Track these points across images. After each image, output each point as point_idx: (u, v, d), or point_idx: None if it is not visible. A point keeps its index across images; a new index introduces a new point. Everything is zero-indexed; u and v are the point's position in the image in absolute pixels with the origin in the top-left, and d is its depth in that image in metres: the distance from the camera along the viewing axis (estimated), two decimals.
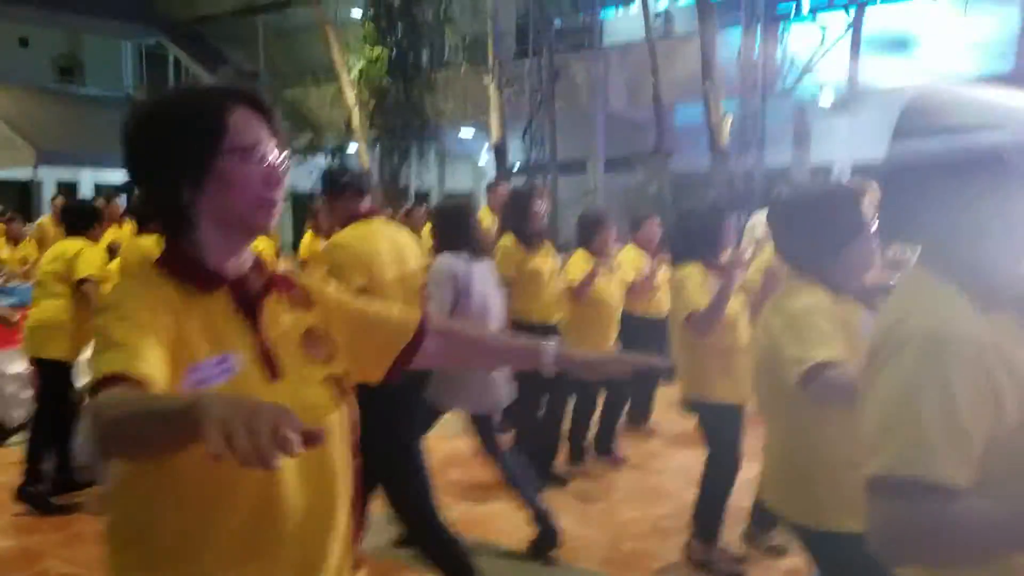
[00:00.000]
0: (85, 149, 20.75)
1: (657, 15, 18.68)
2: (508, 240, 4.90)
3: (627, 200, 13.77)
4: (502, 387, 3.89)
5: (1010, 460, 1.12)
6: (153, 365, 1.16)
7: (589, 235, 5.12)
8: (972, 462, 1.10)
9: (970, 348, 1.12)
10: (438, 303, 3.61)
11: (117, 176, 22.94)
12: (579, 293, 4.88)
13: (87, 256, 4.66)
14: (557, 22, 17.07)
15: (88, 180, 22.44)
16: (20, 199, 18.47)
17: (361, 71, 16.53)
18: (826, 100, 14.94)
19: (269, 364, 1.32)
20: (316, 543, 1.33)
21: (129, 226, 7.71)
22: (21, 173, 19.72)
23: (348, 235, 3.42)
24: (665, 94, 14.44)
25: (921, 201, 1.23)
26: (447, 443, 5.95)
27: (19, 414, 5.80)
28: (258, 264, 1.41)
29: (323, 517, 1.34)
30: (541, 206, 4.94)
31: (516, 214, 4.96)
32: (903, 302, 1.25)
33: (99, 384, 1.13)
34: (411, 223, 8.51)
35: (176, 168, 1.29)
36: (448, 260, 3.78)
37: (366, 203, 3.50)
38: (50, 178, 21.14)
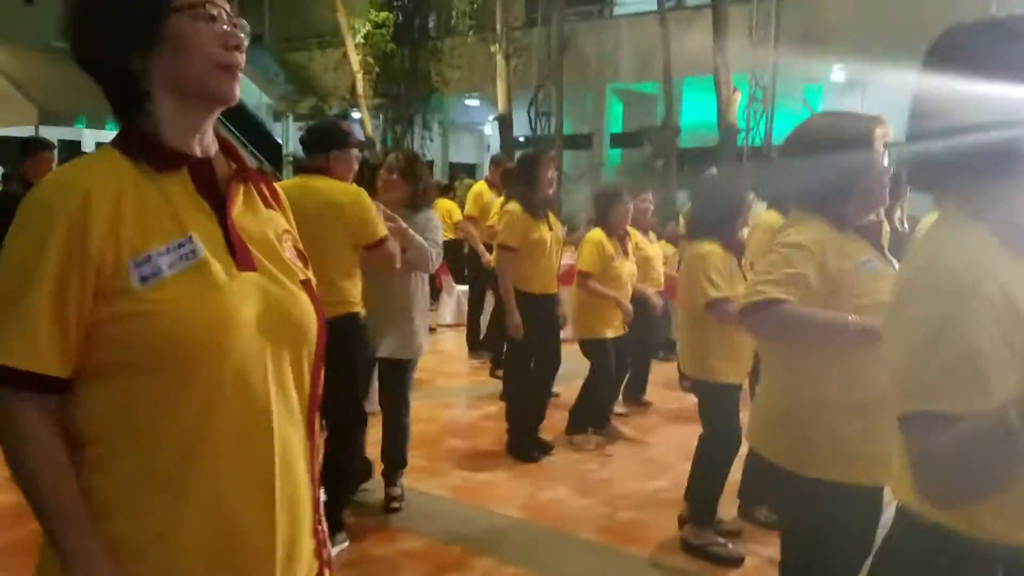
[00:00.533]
0: (87, 109, 20.64)
1: None
2: (514, 207, 4.81)
3: (633, 175, 13.69)
4: (421, 337, 3.98)
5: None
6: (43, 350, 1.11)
7: (605, 211, 5.05)
8: (992, 397, 1.14)
9: (996, 291, 1.16)
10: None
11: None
12: (589, 286, 4.90)
13: None
14: None
15: (89, 139, 22.34)
16: (22, 158, 18.39)
17: (366, 36, 16.36)
18: (839, 76, 14.79)
19: (239, 253, 1.21)
20: (297, 462, 1.26)
21: None
22: (23, 131, 19.62)
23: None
24: (675, 67, 14.27)
25: (952, 152, 1.25)
26: (448, 411, 5.96)
27: None
28: (230, 149, 1.31)
29: (299, 437, 1.27)
30: (551, 174, 4.85)
31: (524, 181, 4.84)
32: (935, 243, 1.27)
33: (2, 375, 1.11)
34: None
35: (123, 31, 1.17)
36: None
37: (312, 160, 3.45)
38: (52, 136, 21.05)
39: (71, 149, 20.40)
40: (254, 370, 1.19)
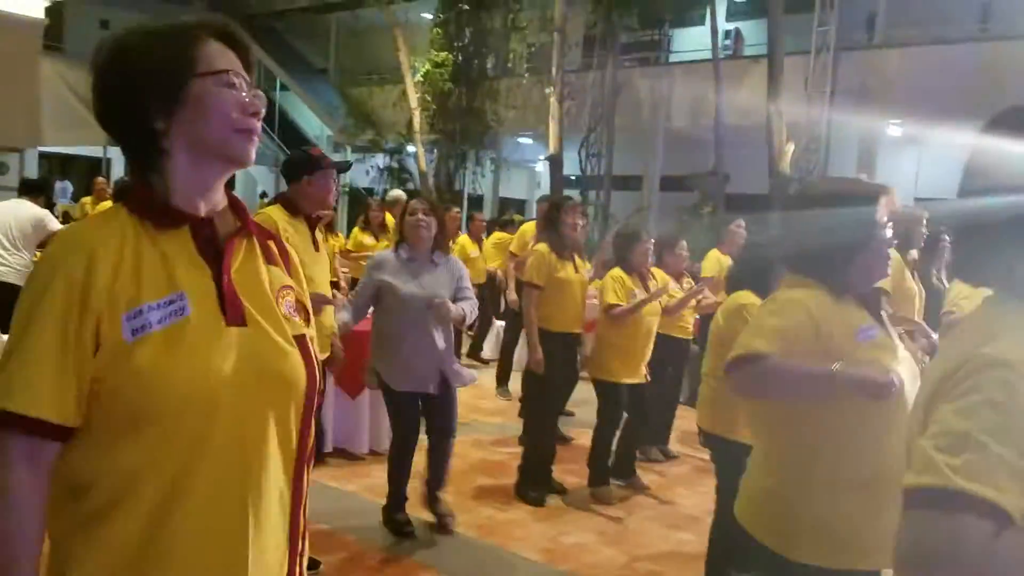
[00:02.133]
0: None
1: (727, 33, 18.59)
2: (542, 248, 4.96)
3: (680, 219, 13.68)
4: (422, 370, 4.04)
5: None
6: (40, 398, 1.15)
7: (624, 251, 5.14)
8: None
9: None
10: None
11: None
12: (619, 316, 4.90)
13: None
14: (624, 36, 17.04)
15: None
16: (90, 176, 19.04)
17: (425, 75, 16.73)
18: (895, 132, 14.66)
19: (230, 308, 1.25)
20: (279, 509, 1.30)
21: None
22: (92, 151, 20.37)
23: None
24: (728, 115, 14.32)
25: (999, 240, 1.21)
26: (480, 450, 6.00)
27: None
28: (236, 206, 1.36)
29: (279, 494, 1.30)
30: (575, 218, 4.98)
31: (549, 224, 5.07)
32: (981, 329, 1.19)
33: (5, 419, 1.15)
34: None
35: (148, 93, 1.24)
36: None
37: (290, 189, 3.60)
38: (119, 157, 21.79)
39: None
40: (234, 425, 1.22)
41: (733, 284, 3.82)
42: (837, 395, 1.88)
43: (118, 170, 20.91)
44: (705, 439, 3.93)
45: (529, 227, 7.48)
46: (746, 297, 3.60)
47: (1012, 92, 11.75)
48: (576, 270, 5.02)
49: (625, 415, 5.17)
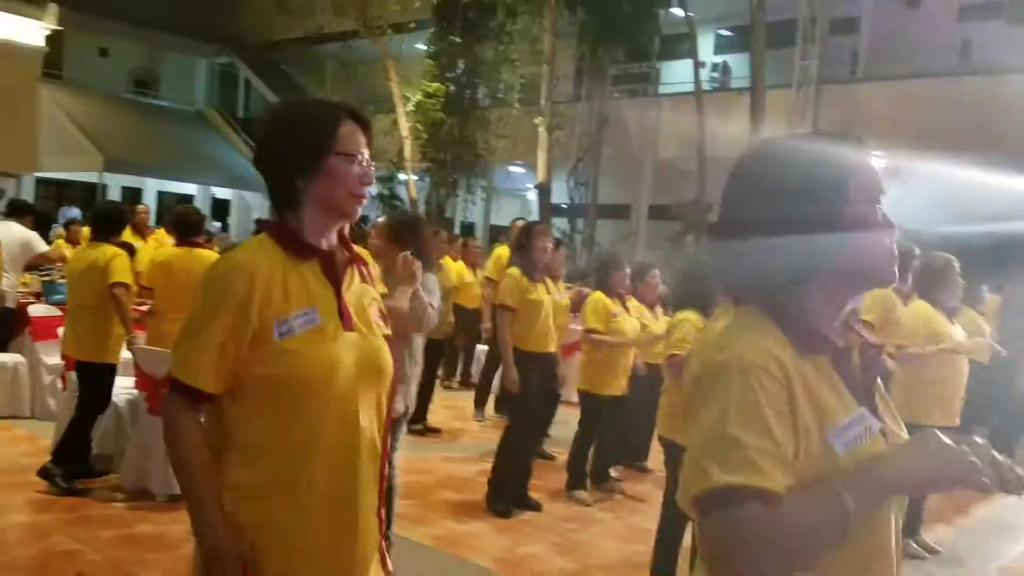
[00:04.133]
0: (151, 159, 21.63)
1: (715, 66, 18.93)
2: (514, 271, 5.17)
3: (664, 247, 13.90)
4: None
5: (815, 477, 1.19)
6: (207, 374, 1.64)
7: (604, 276, 5.47)
8: (787, 469, 1.17)
9: (779, 371, 1.20)
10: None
11: (179, 186, 23.88)
12: (597, 343, 5.16)
13: (119, 263, 4.80)
14: (613, 69, 17.37)
15: (152, 187, 23.34)
16: (85, 201, 19.25)
17: (417, 104, 17.02)
18: (877, 164, 14.88)
19: (344, 319, 1.71)
20: (374, 458, 1.73)
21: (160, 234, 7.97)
22: (88, 177, 20.59)
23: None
24: (713, 147, 14.56)
25: (755, 254, 1.30)
26: (449, 466, 6.13)
27: (53, 402, 6.11)
28: (344, 242, 1.80)
29: (376, 440, 1.74)
30: (545, 241, 5.19)
31: (520, 248, 5.28)
32: (724, 336, 1.28)
33: (176, 385, 1.66)
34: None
35: (296, 160, 1.69)
36: None
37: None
38: (115, 183, 22.04)
39: (134, 196, 21.36)
40: (350, 400, 1.67)
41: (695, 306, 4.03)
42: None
43: (113, 194, 21.18)
44: (662, 445, 4.09)
45: (504, 251, 7.63)
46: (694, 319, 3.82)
47: (991, 125, 12.02)
48: (548, 291, 5.25)
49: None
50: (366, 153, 1.74)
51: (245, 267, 1.65)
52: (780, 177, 1.29)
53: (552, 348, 5.24)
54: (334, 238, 1.77)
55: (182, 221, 5.34)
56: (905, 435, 1.36)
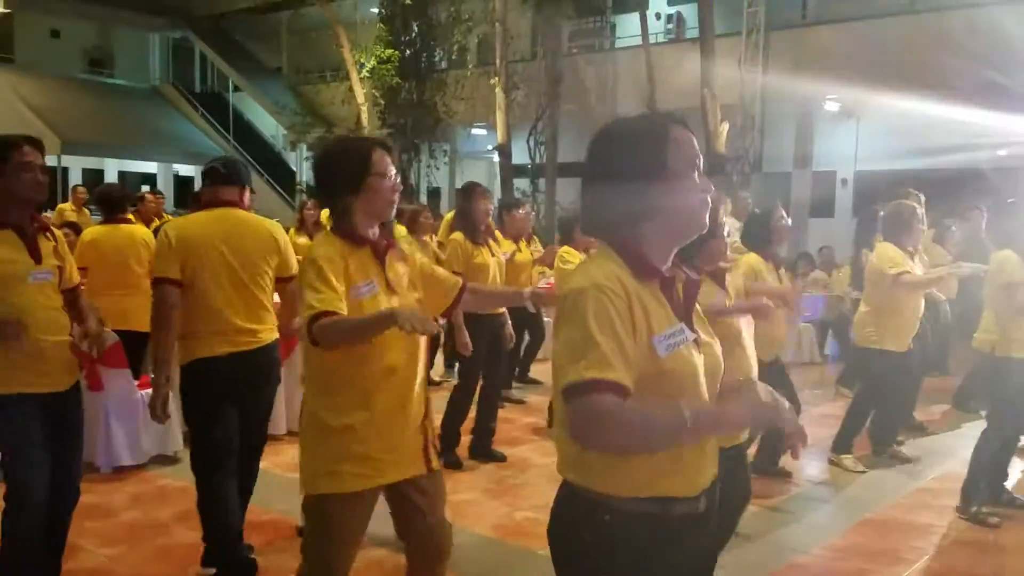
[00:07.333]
0: (110, 139, 21.42)
1: (670, 17, 18.95)
2: (457, 236, 5.22)
3: None
4: None
5: (643, 377, 1.53)
6: (341, 303, 2.28)
7: (569, 232, 5.73)
8: (631, 367, 1.50)
9: (622, 290, 1.55)
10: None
11: (140, 165, 23.65)
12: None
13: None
14: (569, 25, 17.33)
15: (112, 168, 23.14)
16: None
17: (372, 70, 16.95)
18: (832, 107, 15.06)
19: (390, 288, 2.43)
20: (418, 377, 2.48)
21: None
22: (47, 160, 20.33)
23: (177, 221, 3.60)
24: (667, 99, 14.61)
25: (604, 200, 1.66)
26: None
27: None
28: (383, 232, 2.51)
29: (416, 368, 2.47)
30: (485, 203, 5.26)
31: (461, 212, 5.32)
32: (580, 270, 1.64)
33: (318, 315, 2.23)
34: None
35: (344, 183, 2.42)
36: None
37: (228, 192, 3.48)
38: (76, 166, 21.82)
39: (95, 178, 21.20)
40: (404, 350, 2.41)
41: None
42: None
43: (75, 177, 21.00)
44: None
45: (452, 216, 7.74)
46: None
47: (941, 62, 12.19)
48: (493, 253, 5.28)
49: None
50: (393, 170, 2.46)
51: (311, 251, 2.40)
52: (618, 149, 1.67)
53: (500, 309, 5.33)
54: (376, 231, 2.48)
55: (106, 199, 5.50)
56: (717, 346, 1.77)
